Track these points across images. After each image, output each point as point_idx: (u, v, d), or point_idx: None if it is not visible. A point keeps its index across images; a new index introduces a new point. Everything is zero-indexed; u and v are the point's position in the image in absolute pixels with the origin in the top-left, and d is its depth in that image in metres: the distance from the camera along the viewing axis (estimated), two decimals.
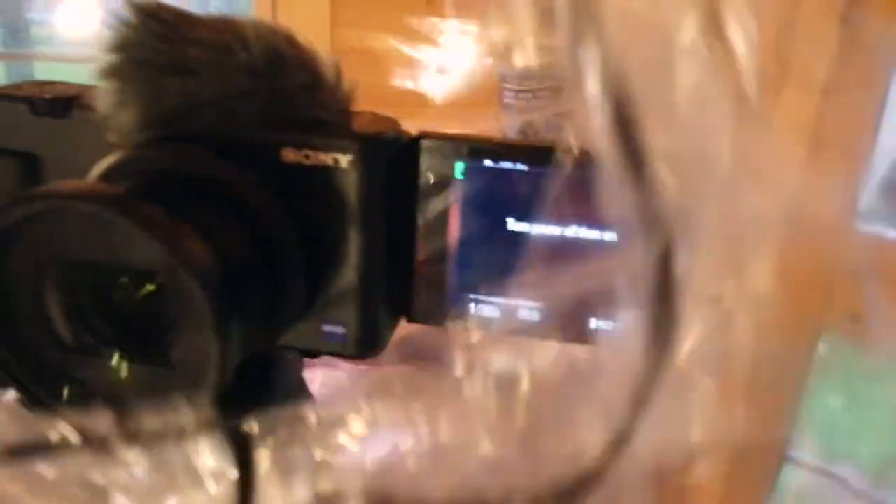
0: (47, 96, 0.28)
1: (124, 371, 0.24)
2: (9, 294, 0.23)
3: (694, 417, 0.20)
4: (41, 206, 0.22)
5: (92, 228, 0.22)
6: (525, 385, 0.23)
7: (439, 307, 0.31)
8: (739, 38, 0.18)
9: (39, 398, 0.24)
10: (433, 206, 0.29)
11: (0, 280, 0.23)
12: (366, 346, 0.29)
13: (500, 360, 0.24)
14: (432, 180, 0.29)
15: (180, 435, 0.19)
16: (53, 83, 0.29)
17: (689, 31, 0.18)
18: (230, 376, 0.23)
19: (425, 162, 0.29)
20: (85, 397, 0.24)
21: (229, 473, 0.20)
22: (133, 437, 0.19)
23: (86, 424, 0.19)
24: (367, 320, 0.29)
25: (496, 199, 0.29)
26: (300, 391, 0.34)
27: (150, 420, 0.20)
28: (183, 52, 0.25)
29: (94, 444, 0.19)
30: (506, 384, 0.23)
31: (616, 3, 0.17)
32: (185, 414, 0.20)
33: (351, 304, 0.28)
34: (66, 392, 0.24)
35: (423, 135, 0.29)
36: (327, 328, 0.29)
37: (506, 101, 0.84)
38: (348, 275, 0.28)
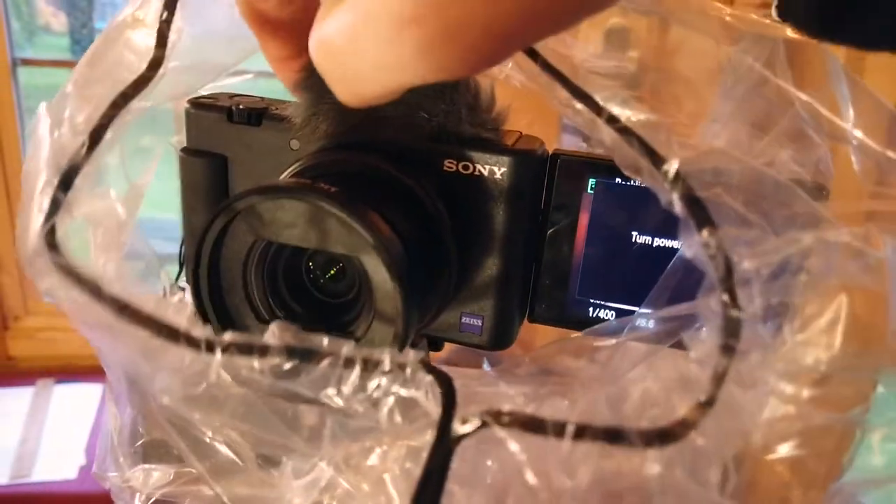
0: (241, 106, 0.32)
1: None
2: (222, 272, 0.28)
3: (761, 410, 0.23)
4: (260, 200, 0.26)
5: (296, 217, 0.26)
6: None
7: (560, 311, 0.35)
8: None
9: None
10: (564, 217, 0.33)
11: (216, 260, 0.27)
12: (498, 338, 0.33)
13: None
14: (565, 193, 0.33)
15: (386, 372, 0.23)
16: (241, 95, 0.34)
17: None
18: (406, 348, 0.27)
19: (560, 176, 0.33)
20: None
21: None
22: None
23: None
24: (501, 314, 0.33)
25: (622, 214, 0.33)
26: None
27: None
28: None
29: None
30: None
31: None
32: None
33: (490, 298, 0.32)
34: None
35: (559, 152, 0.33)
36: (466, 319, 0.33)
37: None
38: (490, 271, 0.32)
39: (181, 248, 0.36)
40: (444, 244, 0.30)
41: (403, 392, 0.22)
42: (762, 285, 0.23)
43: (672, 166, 0.25)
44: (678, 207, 0.25)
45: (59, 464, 1.37)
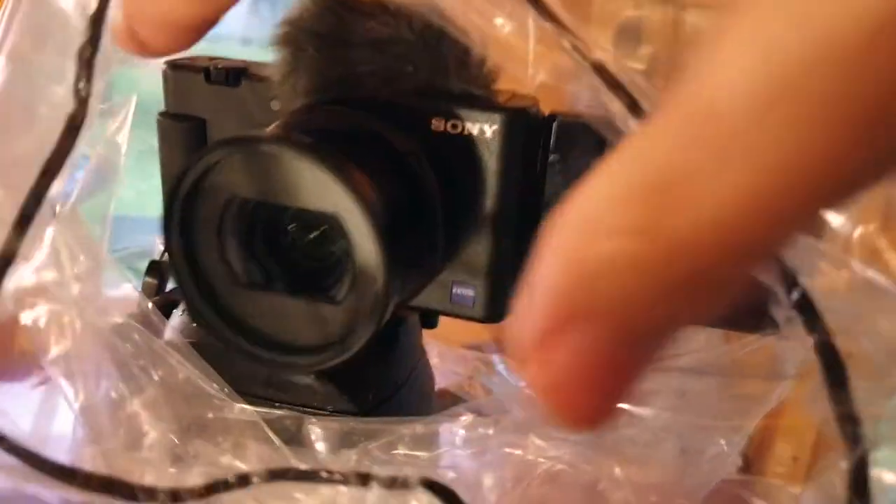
0: (220, 66, 0.31)
1: (290, 306, 0.26)
2: (195, 234, 0.26)
3: None
4: (231, 151, 0.25)
5: (271, 172, 0.25)
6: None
7: None
8: None
9: (219, 333, 0.27)
10: (562, 182, 0.31)
11: (188, 221, 0.26)
12: (492, 310, 0.31)
13: None
14: (562, 157, 0.31)
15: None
16: (221, 57, 0.33)
17: None
18: (388, 315, 0.25)
19: (559, 138, 0.31)
20: (256, 334, 0.27)
21: None
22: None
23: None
24: (495, 285, 0.31)
25: None
26: (420, 358, 0.36)
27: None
28: (354, 25, 0.27)
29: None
30: None
31: None
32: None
33: (482, 267, 0.30)
34: (239, 329, 0.27)
35: (556, 113, 0.31)
36: (457, 290, 0.31)
37: None
38: (482, 238, 0.30)
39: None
40: (431, 207, 0.28)
41: None
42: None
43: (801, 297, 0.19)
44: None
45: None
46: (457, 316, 0.32)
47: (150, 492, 0.20)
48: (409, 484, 0.21)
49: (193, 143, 0.31)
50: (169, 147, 0.32)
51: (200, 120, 0.31)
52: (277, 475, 0.21)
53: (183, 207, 0.25)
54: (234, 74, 0.31)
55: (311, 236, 0.27)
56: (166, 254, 0.28)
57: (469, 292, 0.31)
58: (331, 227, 0.26)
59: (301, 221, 0.27)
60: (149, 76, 0.32)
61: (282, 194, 0.25)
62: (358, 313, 0.25)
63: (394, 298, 0.25)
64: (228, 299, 0.27)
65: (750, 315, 0.21)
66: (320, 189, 0.24)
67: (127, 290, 0.31)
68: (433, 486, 0.20)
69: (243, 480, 0.21)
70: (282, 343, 0.27)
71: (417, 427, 0.27)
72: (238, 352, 0.27)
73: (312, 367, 0.28)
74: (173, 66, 0.32)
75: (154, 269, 0.37)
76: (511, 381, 0.45)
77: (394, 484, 0.21)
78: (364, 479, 0.21)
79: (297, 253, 0.27)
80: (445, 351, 0.42)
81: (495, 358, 0.48)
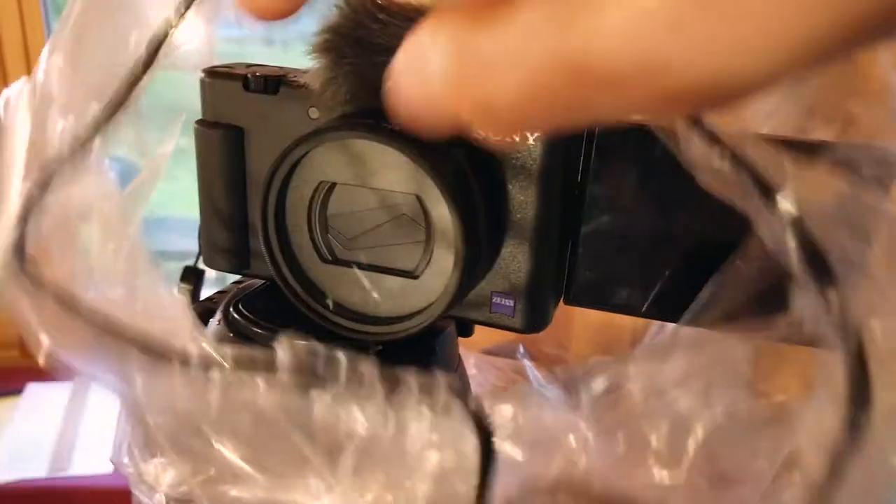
0: (258, 74, 0.31)
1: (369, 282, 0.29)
2: (287, 216, 0.29)
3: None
4: (322, 140, 0.27)
5: (359, 158, 0.27)
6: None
7: (598, 291, 0.32)
8: None
9: (306, 303, 0.29)
10: (603, 189, 0.30)
11: (282, 205, 0.28)
12: (531, 320, 0.31)
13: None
14: (603, 164, 0.30)
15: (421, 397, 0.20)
16: (260, 65, 0.33)
17: None
18: (461, 296, 0.27)
19: (598, 146, 0.30)
20: (338, 305, 0.29)
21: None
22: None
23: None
24: (534, 294, 0.30)
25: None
26: (457, 367, 0.36)
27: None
28: (396, 31, 0.27)
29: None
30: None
31: None
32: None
33: (522, 277, 0.30)
34: (329, 302, 0.29)
35: None
36: (497, 299, 0.30)
37: None
38: (522, 247, 0.29)
39: (199, 229, 0.35)
40: (475, 212, 0.28)
41: (432, 425, 0.20)
42: None
43: (787, 200, 0.19)
44: (794, 259, 0.19)
45: (96, 458, 1.38)
46: (496, 326, 0.31)
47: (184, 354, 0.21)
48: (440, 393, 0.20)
49: (231, 151, 0.31)
50: (206, 155, 0.32)
51: (238, 129, 0.31)
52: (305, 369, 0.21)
53: (279, 192, 0.28)
54: (273, 82, 0.30)
55: (394, 216, 0.28)
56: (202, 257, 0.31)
57: (509, 302, 0.30)
58: (412, 207, 0.28)
59: (385, 202, 0.28)
60: (174, 78, 0.32)
61: (368, 177, 0.27)
62: (434, 287, 0.28)
63: (469, 274, 0.27)
64: (314, 274, 0.29)
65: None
66: (406, 172, 0.27)
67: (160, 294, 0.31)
68: (465, 403, 0.20)
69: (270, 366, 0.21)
70: (361, 314, 0.29)
71: None
72: (321, 321, 0.29)
73: (389, 336, 0.29)
74: (211, 73, 0.31)
75: (189, 274, 0.37)
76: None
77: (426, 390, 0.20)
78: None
79: (380, 232, 0.29)
80: (482, 362, 0.41)
81: (527, 365, 0.47)
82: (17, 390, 1.57)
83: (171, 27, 0.26)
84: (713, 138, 0.20)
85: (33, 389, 1.57)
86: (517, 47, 0.12)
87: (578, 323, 0.83)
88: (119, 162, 0.31)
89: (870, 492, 0.19)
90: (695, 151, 0.21)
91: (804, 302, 0.19)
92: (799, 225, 0.19)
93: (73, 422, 1.48)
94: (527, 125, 0.15)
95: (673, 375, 0.23)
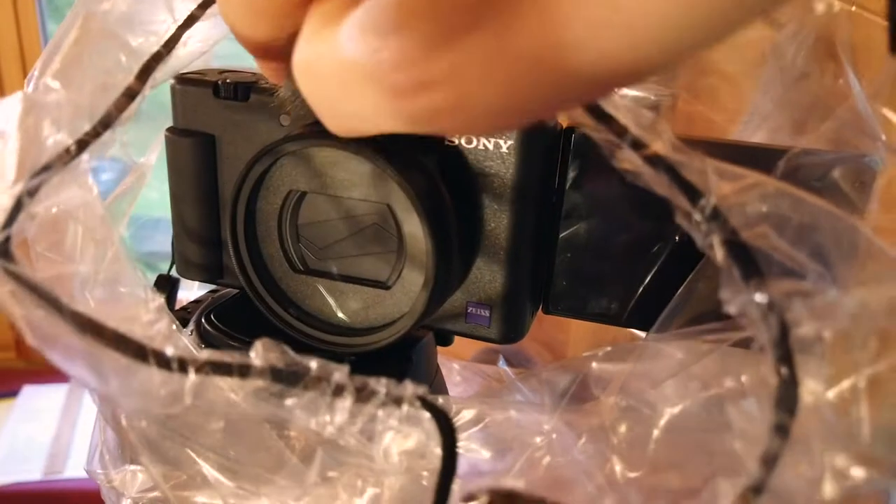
0: (229, 80, 0.30)
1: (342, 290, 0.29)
2: (257, 225, 0.28)
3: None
4: (290, 149, 0.26)
5: (329, 167, 0.27)
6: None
7: (577, 300, 0.32)
8: None
9: (276, 314, 0.29)
10: (580, 198, 0.30)
11: (251, 214, 0.28)
12: (507, 330, 0.30)
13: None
14: (580, 171, 0.30)
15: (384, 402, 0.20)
16: (233, 70, 0.32)
17: None
18: (434, 307, 0.27)
19: (576, 153, 0.30)
20: (310, 316, 0.29)
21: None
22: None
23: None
24: (511, 304, 0.30)
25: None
26: (435, 375, 0.35)
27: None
28: None
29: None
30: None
31: None
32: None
33: (497, 286, 0.29)
34: (293, 311, 0.29)
35: (573, 126, 0.30)
36: (472, 309, 0.30)
37: None
38: (498, 256, 0.29)
39: (173, 238, 0.34)
40: (446, 223, 0.27)
41: (401, 432, 0.20)
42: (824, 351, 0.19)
43: (709, 202, 0.20)
44: (719, 254, 0.20)
45: None
46: (472, 336, 0.31)
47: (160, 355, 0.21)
48: (405, 402, 0.20)
49: (202, 158, 0.31)
50: (178, 163, 0.31)
51: (209, 136, 0.31)
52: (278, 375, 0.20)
53: (248, 201, 0.27)
54: (244, 89, 0.30)
55: (365, 226, 0.28)
56: (174, 257, 0.30)
57: (485, 312, 0.30)
58: (383, 217, 0.27)
59: (355, 212, 0.28)
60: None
61: (338, 187, 0.27)
62: (406, 297, 0.27)
63: (440, 285, 0.26)
64: (285, 284, 0.29)
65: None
66: (375, 182, 0.26)
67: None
68: (432, 409, 0.20)
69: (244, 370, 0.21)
70: (333, 325, 0.29)
71: None
72: (292, 331, 0.29)
73: (362, 348, 0.28)
74: (182, 80, 0.31)
75: (163, 283, 0.37)
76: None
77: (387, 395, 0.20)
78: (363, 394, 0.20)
79: (351, 242, 0.28)
80: (468, 370, 0.41)
81: (505, 370, 0.46)
82: (12, 392, 1.57)
83: (162, 56, 0.26)
84: (637, 145, 0.21)
85: (29, 392, 1.57)
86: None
87: (576, 323, 0.82)
88: (118, 162, 0.30)
89: (799, 491, 0.19)
90: (626, 158, 0.22)
91: (731, 294, 0.20)
92: (723, 222, 0.20)
93: (68, 424, 1.48)
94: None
95: (638, 375, 0.24)
